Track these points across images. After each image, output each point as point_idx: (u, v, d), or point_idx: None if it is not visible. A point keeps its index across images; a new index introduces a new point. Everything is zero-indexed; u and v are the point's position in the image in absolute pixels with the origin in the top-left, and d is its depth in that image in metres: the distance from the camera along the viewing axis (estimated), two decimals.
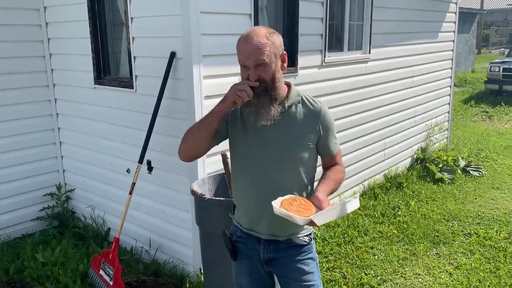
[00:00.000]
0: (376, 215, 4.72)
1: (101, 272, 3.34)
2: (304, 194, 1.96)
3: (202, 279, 3.33)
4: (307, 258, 2.03)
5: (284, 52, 1.91)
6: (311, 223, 1.72)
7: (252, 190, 1.96)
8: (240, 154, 2.00)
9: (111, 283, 3.20)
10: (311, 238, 2.07)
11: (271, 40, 1.84)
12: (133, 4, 3.44)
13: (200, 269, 3.37)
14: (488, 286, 3.49)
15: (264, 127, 1.88)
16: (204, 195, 2.90)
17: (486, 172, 6.17)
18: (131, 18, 3.49)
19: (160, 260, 3.69)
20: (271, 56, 1.83)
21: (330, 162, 2.05)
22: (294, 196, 1.84)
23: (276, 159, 1.92)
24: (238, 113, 1.99)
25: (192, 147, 2.00)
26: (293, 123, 1.93)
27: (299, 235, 2.01)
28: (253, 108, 1.85)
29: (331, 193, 1.93)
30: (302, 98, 1.97)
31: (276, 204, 1.76)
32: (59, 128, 4.49)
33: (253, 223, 2.01)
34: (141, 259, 3.82)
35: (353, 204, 1.74)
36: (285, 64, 1.92)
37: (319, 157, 2.05)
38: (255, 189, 1.95)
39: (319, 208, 1.77)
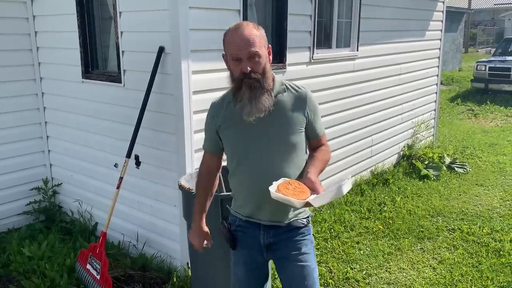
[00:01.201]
0: (363, 210, 4.78)
1: (88, 266, 3.34)
2: (298, 177, 2.01)
3: (189, 273, 3.35)
4: (305, 239, 2.10)
5: (269, 45, 1.98)
6: (307, 204, 1.79)
7: (250, 181, 2.01)
8: (234, 149, 2.05)
9: (98, 277, 3.21)
10: (308, 221, 2.13)
11: (260, 32, 1.91)
12: None
13: (188, 264, 3.39)
14: (470, 280, 3.57)
15: (257, 121, 1.92)
16: (191, 189, 2.92)
17: (470, 169, 6.28)
18: (120, 12, 3.48)
19: (148, 254, 3.70)
20: (262, 48, 1.89)
21: (317, 144, 2.11)
22: (288, 179, 1.89)
23: (271, 149, 1.97)
24: (225, 112, 2.03)
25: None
26: (282, 112, 1.98)
27: (298, 218, 2.08)
28: (246, 100, 1.89)
29: (320, 173, 1.99)
30: (286, 86, 2.04)
31: (273, 189, 1.80)
32: (46, 122, 4.46)
33: (253, 212, 2.06)
34: (129, 253, 3.83)
35: (347, 186, 1.79)
36: (271, 57, 1.98)
37: None
38: (253, 180, 1.99)
39: (312, 189, 1.83)
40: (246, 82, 1.88)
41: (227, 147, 2.09)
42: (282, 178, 1.89)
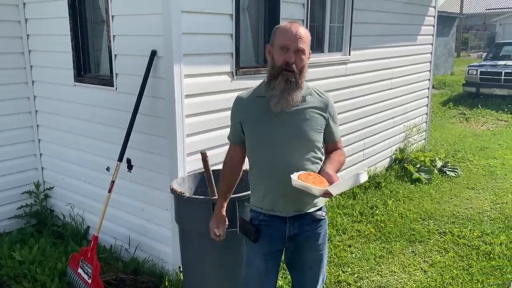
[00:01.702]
0: (355, 214, 4.80)
1: (80, 270, 3.33)
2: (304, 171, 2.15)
3: (181, 277, 3.35)
4: (323, 231, 2.30)
5: (310, 51, 2.15)
6: (326, 194, 1.93)
7: (272, 172, 2.14)
8: (258, 141, 2.18)
9: (89, 281, 3.19)
10: (326, 213, 2.32)
11: (309, 36, 2.13)
12: (114, 2, 3.44)
13: (179, 267, 3.39)
14: (461, 283, 3.60)
15: (282, 115, 2.09)
16: (183, 193, 2.92)
17: (462, 173, 6.33)
18: (112, 16, 3.48)
19: (140, 258, 3.69)
20: (307, 48, 2.10)
21: (333, 147, 2.29)
22: (308, 172, 2.06)
23: (293, 143, 2.12)
24: (252, 106, 2.18)
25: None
26: (306, 110, 2.15)
27: (318, 211, 2.25)
28: (279, 92, 2.05)
29: (336, 172, 2.15)
30: (311, 90, 2.22)
31: (295, 176, 1.96)
32: (38, 125, 4.45)
33: (275, 203, 2.18)
34: (121, 257, 3.82)
35: (364, 176, 1.92)
36: (308, 61, 2.13)
37: None
38: (275, 171, 2.13)
39: (330, 182, 2.00)
40: (284, 74, 2.04)
41: (252, 139, 2.20)
42: (301, 171, 2.04)
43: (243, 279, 2.41)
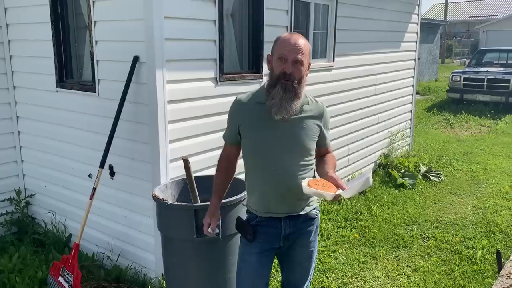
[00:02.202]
0: (339, 219, 4.82)
1: (60, 279, 3.28)
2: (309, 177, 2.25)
3: (164, 285, 3.32)
4: (315, 229, 2.40)
5: (310, 61, 2.23)
6: (336, 197, 2.04)
7: (269, 178, 2.22)
8: (255, 147, 2.25)
9: None
10: (318, 212, 2.41)
11: (309, 47, 2.19)
12: (96, 7, 3.42)
13: (162, 275, 3.36)
14: (443, 287, 3.62)
15: (280, 123, 2.15)
16: (165, 200, 2.90)
17: (445, 178, 6.40)
18: (95, 21, 3.46)
19: (122, 266, 3.65)
20: (306, 59, 2.16)
21: (325, 151, 2.40)
22: (315, 178, 2.17)
23: (290, 150, 2.21)
24: (251, 111, 2.23)
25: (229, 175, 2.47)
26: (304, 119, 2.23)
27: (312, 211, 2.34)
28: (278, 100, 2.11)
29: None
30: (309, 98, 2.30)
31: (305, 184, 2.07)
32: (19, 131, 4.38)
33: (271, 206, 2.26)
34: (103, 265, 3.77)
35: (371, 178, 2.09)
36: (308, 72, 2.22)
37: None
38: (272, 177, 2.21)
39: (336, 186, 2.10)
40: (282, 83, 2.11)
41: (248, 144, 2.28)
42: (307, 178, 2.16)
43: (235, 277, 2.44)
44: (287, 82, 2.11)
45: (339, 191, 2.06)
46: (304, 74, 2.18)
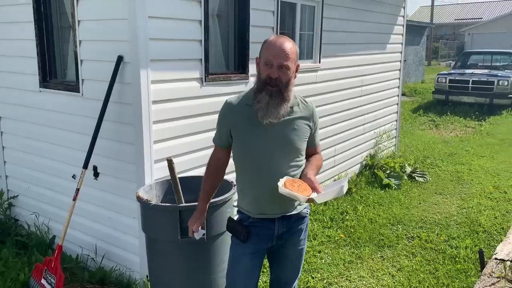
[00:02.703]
0: (325, 219, 4.84)
1: (43, 281, 3.24)
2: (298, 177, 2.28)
3: (149, 286, 3.29)
4: (305, 227, 2.44)
5: (298, 63, 2.24)
6: (310, 200, 2.09)
7: (261, 180, 2.23)
8: (246, 150, 2.25)
9: None
10: (308, 211, 2.47)
11: (295, 50, 2.19)
12: (80, 7, 3.39)
13: (147, 276, 3.33)
14: (427, 286, 3.66)
15: (270, 126, 2.16)
16: (149, 201, 2.88)
17: (430, 178, 6.46)
18: (78, 21, 3.43)
19: (107, 267, 3.62)
20: (292, 63, 2.16)
21: (313, 152, 2.41)
22: (292, 178, 2.18)
23: (281, 151, 2.23)
24: (242, 114, 2.23)
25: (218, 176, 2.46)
26: (295, 121, 2.25)
27: (303, 209, 2.39)
28: (264, 105, 2.12)
29: (315, 175, 2.31)
30: (298, 99, 2.31)
31: (281, 184, 2.09)
32: (1, 132, 4.33)
33: (263, 208, 2.28)
34: (87, 267, 3.73)
35: (346, 186, 2.12)
36: (297, 74, 2.24)
37: None
38: (264, 179, 2.22)
39: (312, 188, 2.15)
40: (268, 88, 2.12)
41: (240, 146, 2.28)
42: (285, 177, 2.17)
43: (226, 277, 2.45)
44: (272, 88, 2.12)
45: (313, 195, 2.10)
46: (292, 77, 2.18)
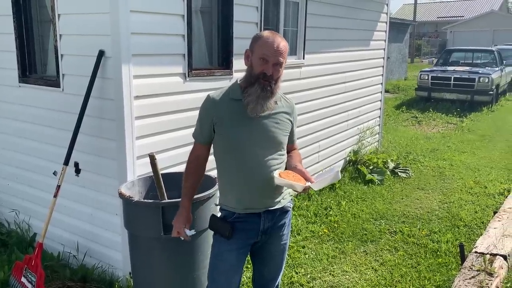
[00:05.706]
0: (309, 215, 4.86)
1: (23, 279, 3.19)
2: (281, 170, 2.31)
3: (131, 283, 3.26)
4: (289, 221, 2.47)
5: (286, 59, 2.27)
6: (306, 189, 2.15)
7: (247, 174, 2.23)
8: (231, 144, 2.25)
9: None
10: (292, 205, 2.49)
11: (288, 48, 2.24)
12: (60, 0, 3.32)
13: (130, 273, 3.30)
14: (409, 280, 3.70)
15: (256, 119, 2.20)
16: (131, 197, 2.85)
17: (413, 174, 6.54)
18: (59, 14, 3.37)
19: (89, 265, 3.58)
20: (285, 60, 2.21)
21: (292, 148, 2.47)
22: (286, 170, 2.24)
23: (265, 145, 2.25)
24: (226, 108, 2.23)
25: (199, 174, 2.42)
26: (278, 115, 2.29)
27: (287, 203, 2.40)
28: (255, 98, 2.15)
29: None
30: (280, 95, 2.33)
31: (276, 174, 2.15)
32: None
33: (249, 202, 2.27)
34: (69, 264, 3.68)
35: (340, 173, 2.21)
36: (282, 69, 2.26)
37: None
38: (251, 173, 2.23)
39: (305, 178, 2.19)
40: (261, 82, 2.15)
41: (225, 140, 2.26)
42: (278, 170, 2.23)
43: (208, 274, 2.41)
44: (265, 83, 2.16)
45: (309, 183, 2.15)
46: (281, 73, 2.23)
